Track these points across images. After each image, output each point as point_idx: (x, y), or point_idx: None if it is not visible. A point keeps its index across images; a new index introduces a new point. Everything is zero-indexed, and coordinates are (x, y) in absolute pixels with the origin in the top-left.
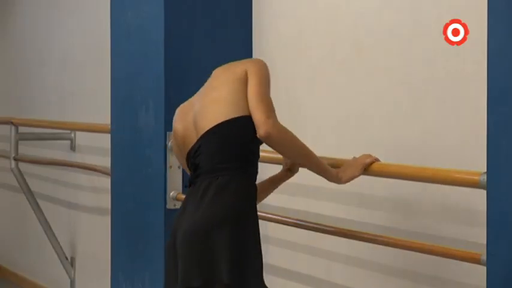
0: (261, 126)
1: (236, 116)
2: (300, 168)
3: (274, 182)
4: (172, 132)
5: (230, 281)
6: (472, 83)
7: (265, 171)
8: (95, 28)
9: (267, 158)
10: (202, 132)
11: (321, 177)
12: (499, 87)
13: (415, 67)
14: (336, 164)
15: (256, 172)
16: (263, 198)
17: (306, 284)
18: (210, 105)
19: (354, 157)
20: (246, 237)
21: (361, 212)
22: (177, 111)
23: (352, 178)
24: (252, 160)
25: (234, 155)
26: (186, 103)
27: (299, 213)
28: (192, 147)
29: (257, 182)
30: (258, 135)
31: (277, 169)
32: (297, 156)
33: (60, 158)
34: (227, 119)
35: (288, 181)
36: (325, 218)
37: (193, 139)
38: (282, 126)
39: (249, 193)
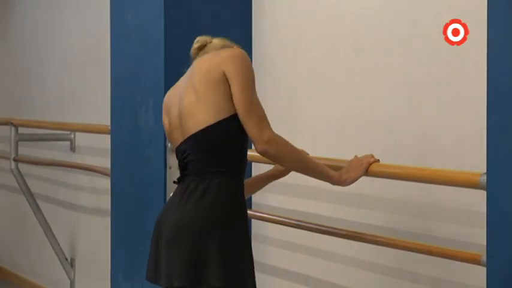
0: (257, 143)
1: (217, 120)
2: None
3: (262, 180)
4: None
5: (219, 283)
6: (472, 83)
7: (262, 171)
8: (95, 28)
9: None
10: (187, 134)
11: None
12: (499, 87)
13: (415, 67)
14: (336, 165)
15: (244, 172)
16: (249, 195)
17: (305, 284)
18: (191, 107)
19: (356, 156)
20: (235, 239)
21: (361, 212)
22: (164, 100)
23: (356, 179)
24: (238, 161)
25: (220, 159)
26: (172, 91)
27: (298, 213)
28: (179, 147)
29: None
30: (255, 150)
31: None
32: (294, 167)
33: (60, 158)
34: (209, 124)
35: (287, 182)
36: (325, 219)
37: (179, 137)
38: (277, 139)
39: (236, 194)
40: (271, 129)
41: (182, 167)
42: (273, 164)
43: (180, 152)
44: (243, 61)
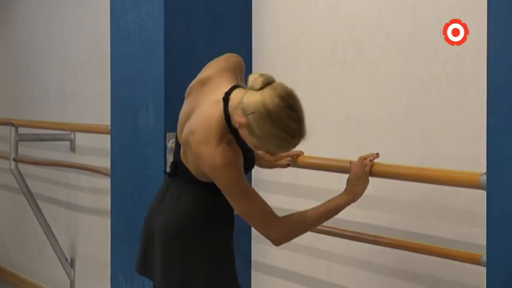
0: (270, 241)
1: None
2: (299, 169)
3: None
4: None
5: None
6: (472, 83)
7: (264, 171)
8: (95, 28)
9: None
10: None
11: (319, 178)
12: (499, 88)
13: (415, 67)
14: (336, 165)
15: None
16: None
17: (305, 284)
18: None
19: (351, 161)
20: (194, 253)
21: (361, 212)
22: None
23: (363, 191)
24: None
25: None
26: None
27: None
28: (175, 150)
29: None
30: None
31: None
32: (313, 229)
33: (60, 159)
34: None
35: (287, 182)
36: None
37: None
38: (284, 231)
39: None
40: (274, 224)
41: (174, 164)
42: None
43: (175, 153)
44: (221, 172)
